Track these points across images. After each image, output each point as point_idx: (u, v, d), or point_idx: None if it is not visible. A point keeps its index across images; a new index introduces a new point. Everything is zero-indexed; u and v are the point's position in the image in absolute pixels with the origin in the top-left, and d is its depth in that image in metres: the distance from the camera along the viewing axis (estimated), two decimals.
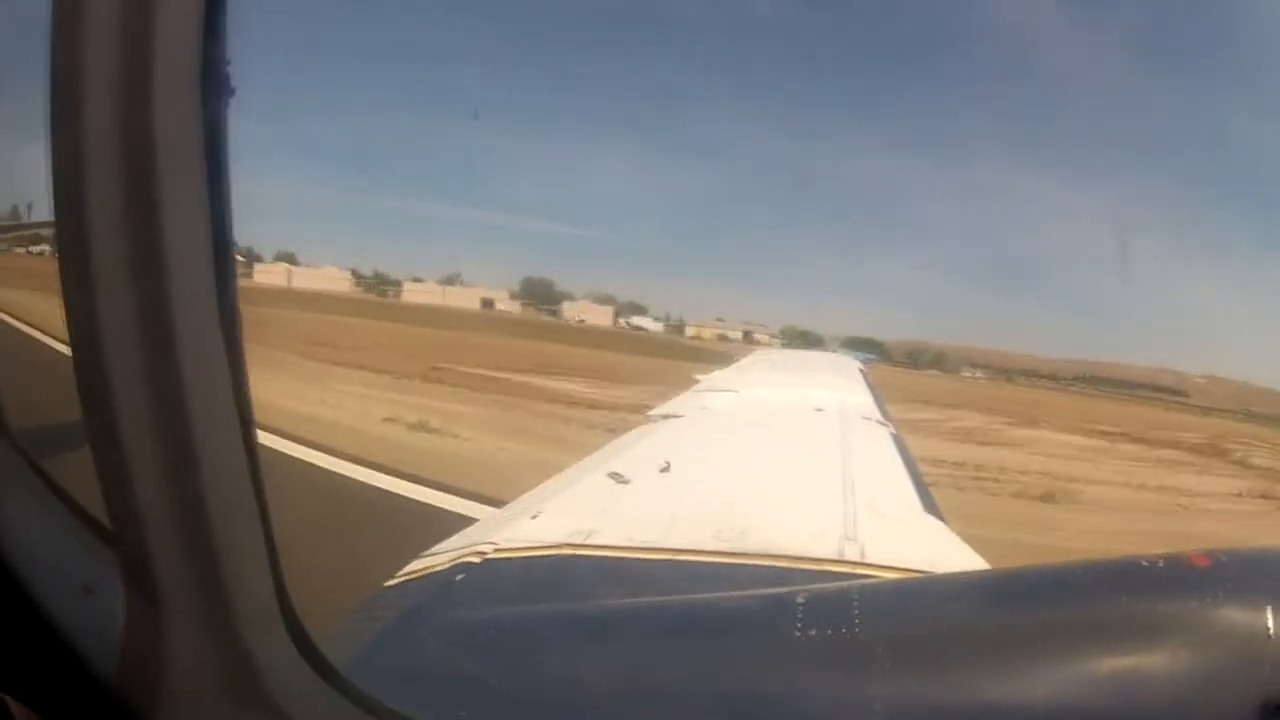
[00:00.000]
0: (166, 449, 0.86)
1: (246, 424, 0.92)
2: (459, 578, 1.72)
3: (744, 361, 7.86)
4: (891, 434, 3.97)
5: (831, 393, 5.01)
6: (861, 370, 7.03)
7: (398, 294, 60.51)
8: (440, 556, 1.87)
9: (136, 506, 0.88)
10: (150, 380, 0.84)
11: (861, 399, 5.05)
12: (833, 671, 1.12)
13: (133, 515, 0.89)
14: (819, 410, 4.33)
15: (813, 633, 1.14)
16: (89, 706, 1.01)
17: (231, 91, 0.87)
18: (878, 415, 4.49)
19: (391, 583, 1.75)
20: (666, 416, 4.13)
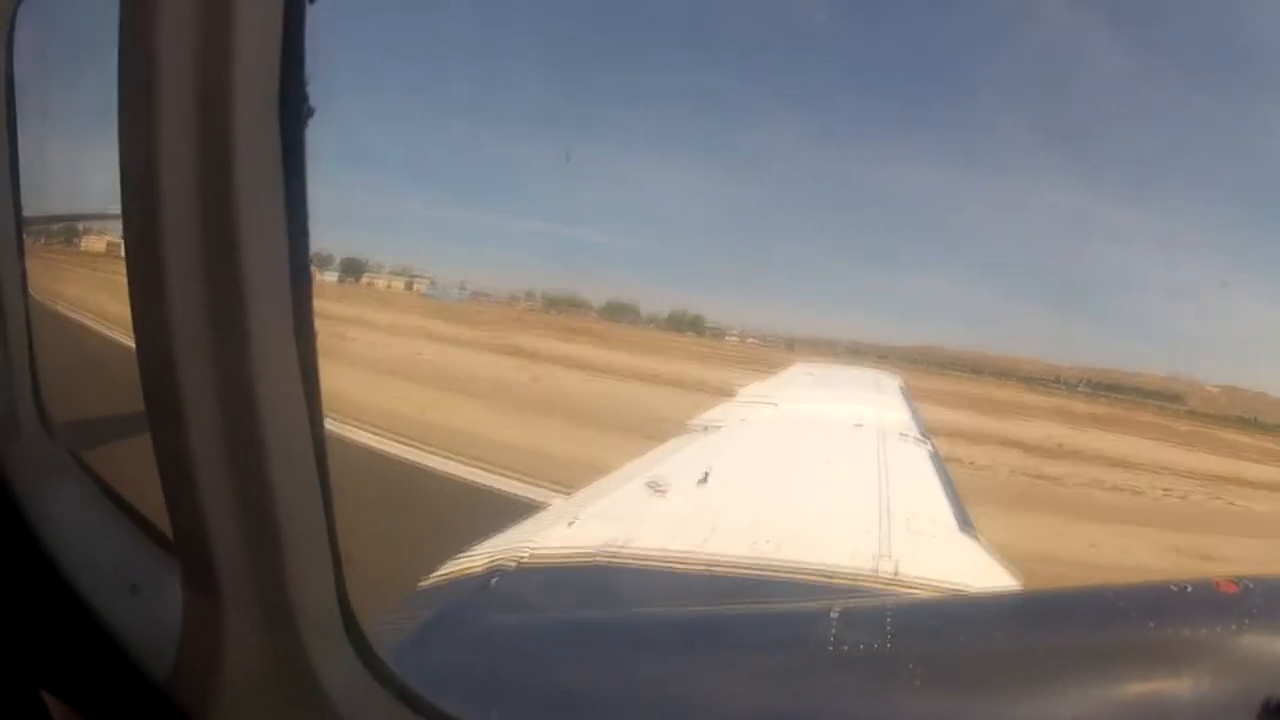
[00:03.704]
0: (234, 452, 0.86)
1: (317, 429, 0.91)
2: (493, 581, 1.74)
3: (785, 375, 7.82)
4: (929, 451, 3.94)
5: (870, 408, 4.97)
6: (901, 387, 6.94)
7: None
8: (475, 559, 1.88)
9: (202, 508, 0.87)
10: (219, 383, 0.84)
11: (900, 415, 4.99)
12: (864, 687, 1.14)
13: (198, 516, 0.88)
14: (858, 425, 4.31)
15: (845, 648, 1.15)
16: (134, 704, 1.00)
17: (310, 111, 0.88)
18: (916, 431, 4.45)
19: (425, 584, 1.78)
20: (707, 427, 4.16)
